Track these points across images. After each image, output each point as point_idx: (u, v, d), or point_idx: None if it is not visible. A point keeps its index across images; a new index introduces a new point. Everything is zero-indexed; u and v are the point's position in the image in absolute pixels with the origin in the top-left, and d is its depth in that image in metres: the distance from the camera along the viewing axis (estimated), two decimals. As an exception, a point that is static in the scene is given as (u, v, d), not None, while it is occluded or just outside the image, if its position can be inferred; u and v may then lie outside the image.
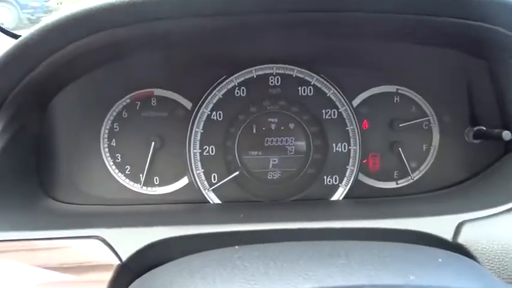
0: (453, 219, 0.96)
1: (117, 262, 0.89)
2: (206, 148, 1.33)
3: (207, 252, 0.68)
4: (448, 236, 0.94)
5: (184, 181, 1.35)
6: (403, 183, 1.39)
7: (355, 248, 0.65)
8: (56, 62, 1.03)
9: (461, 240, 0.93)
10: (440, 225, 0.96)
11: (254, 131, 1.36)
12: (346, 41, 1.25)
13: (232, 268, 0.59)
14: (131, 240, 0.91)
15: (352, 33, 1.19)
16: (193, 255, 0.70)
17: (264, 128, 1.36)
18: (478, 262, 0.90)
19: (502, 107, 1.21)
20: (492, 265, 0.90)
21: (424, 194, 1.34)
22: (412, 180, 1.38)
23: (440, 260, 0.62)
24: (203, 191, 1.32)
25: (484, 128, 1.27)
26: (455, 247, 0.93)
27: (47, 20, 0.93)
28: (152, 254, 0.92)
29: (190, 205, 1.30)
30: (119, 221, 1.01)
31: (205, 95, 1.32)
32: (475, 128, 1.28)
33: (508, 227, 0.94)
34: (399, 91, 1.39)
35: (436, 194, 1.28)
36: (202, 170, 1.32)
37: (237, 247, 0.68)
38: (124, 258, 0.89)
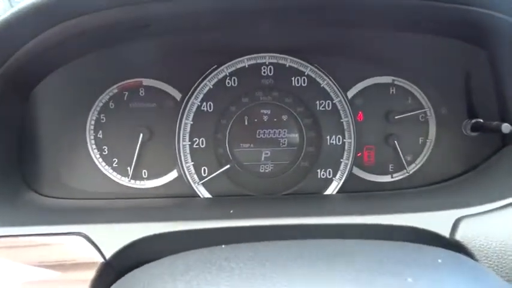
0: (450, 215, 0.93)
1: (100, 260, 0.85)
2: (196, 140, 1.28)
3: (192, 252, 0.64)
4: (445, 232, 0.91)
5: (173, 174, 1.31)
6: (398, 176, 1.36)
7: (351, 248, 0.61)
8: (36, 47, 0.98)
9: (458, 236, 0.89)
10: (437, 221, 0.93)
11: (246, 122, 1.31)
12: (341, 29, 1.21)
13: (218, 270, 0.55)
14: (115, 237, 0.87)
15: (348, 22, 1.14)
16: (177, 255, 0.66)
17: (256, 120, 1.32)
18: (476, 259, 0.87)
19: (500, 98, 1.17)
20: (490, 262, 0.87)
21: (420, 188, 1.31)
22: (407, 174, 1.35)
23: (440, 260, 0.58)
24: (193, 185, 1.28)
25: (482, 121, 1.23)
26: (452, 244, 0.89)
27: (22, 4, 0.87)
28: (138, 252, 0.88)
29: (179, 199, 1.26)
30: (103, 217, 0.97)
31: (195, 85, 1.27)
32: (473, 121, 1.25)
33: (506, 223, 0.91)
34: (395, 82, 1.35)
35: (433, 188, 1.25)
36: (192, 163, 1.28)
37: (223, 246, 0.64)
38: (108, 256, 0.85)
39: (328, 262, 0.55)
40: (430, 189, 1.26)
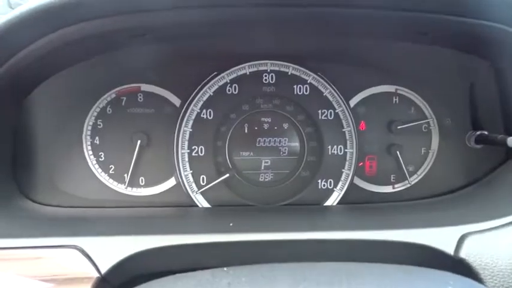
0: (455, 231, 0.91)
1: (96, 275, 0.82)
2: (195, 148, 1.25)
3: (193, 274, 0.62)
4: (449, 249, 0.89)
5: (171, 182, 1.28)
6: (399, 187, 1.34)
7: (356, 273, 0.59)
8: (34, 52, 0.95)
9: (463, 254, 0.88)
10: (442, 238, 0.91)
11: (246, 130, 1.29)
12: (344, 38, 1.19)
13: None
14: (111, 250, 0.84)
15: (352, 31, 1.12)
16: (178, 276, 0.63)
17: (256, 128, 1.29)
18: (481, 278, 0.85)
19: (505, 110, 1.16)
20: (496, 282, 0.85)
21: (422, 200, 1.29)
22: (409, 185, 1.33)
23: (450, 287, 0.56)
24: (191, 194, 1.25)
25: (487, 133, 1.21)
26: (457, 262, 0.88)
27: (22, 8, 0.84)
28: (135, 266, 0.86)
29: (176, 209, 1.23)
30: (98, 228, 0.95)
31: (195, 92, 1.24)
32: (478, 133, 1.23)
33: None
34: (398, 91, 1.33)
35: (435, 200, 1.23)
36: (191, 172, 1.25)
37: (225, 269, 0.61)
38: (103, 271, 0.83)
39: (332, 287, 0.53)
40: (433, 201, 1.24)
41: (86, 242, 0.86)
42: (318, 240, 0.92)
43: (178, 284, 0.59)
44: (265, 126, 1.30)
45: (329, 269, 0.60)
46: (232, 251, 0.92)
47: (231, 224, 0.96)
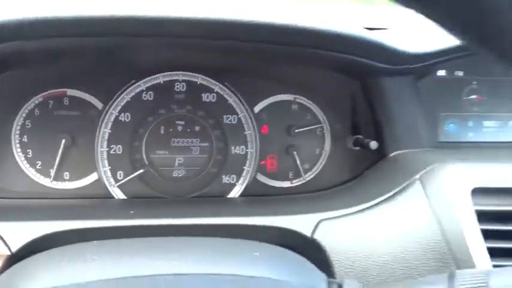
0: (314, 218, 1.13)
1: (7, 252, 0.99)
2: (113, 147, 1.42)
3: (69, 247, 0.80)
4: (308, 232, 1.11)
5: (93, 177, 1.45)
6: (296, 182, 1.56)
7: (193, 244, 0.79)
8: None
9: (316, 236, 1.10)
10: (304, 223, 1.13)
11: (162, 132, 1.47)
12: (248, 59, 1.39)
13: (83, 261, 0.71)
14: (22, 233, 1.01)
15: (253, 55, 1.34)
16: (59, 248, 0.81)
17: (171, 130, 1.47)
18: (328, 255, 1.08)
19: (373, 119, 1.40)
20: (339, 258, 1.08)
21: (313, 193, 1.51)
22: (304, 181, 1.55)
23: (256, 253, 0.77)
24: (109, 187, 1.42)
25: (362, 137, 1.45)
26: (311, 242, 1.10)
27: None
28: (41, 245, 1.02)
29: (94, 200, 1.40)
30: (14, 215, 1.11)
31: (114, 97, 1.41)
32: (355, 137, 1.46)
33: (355, 226, 1.12)
34: (297, 100, 1.54)
35: (317, 194, 1.45)
36: (109, 168, 1.42)
37: (95, 242, 0.80)
38: (14, 250, 0.99)
39: (164, 255, 0.72)
40: (316, 195, 1.45)
41: (1, 226, 1.02)
42: (202, 224, 1.11)
43: (56, 253, 0.77)
44: (179, 128, 1.48)
45: (170, 241, 0.79)
46: (131, 234, 1.10)
47: (131, 212, 1.14)
